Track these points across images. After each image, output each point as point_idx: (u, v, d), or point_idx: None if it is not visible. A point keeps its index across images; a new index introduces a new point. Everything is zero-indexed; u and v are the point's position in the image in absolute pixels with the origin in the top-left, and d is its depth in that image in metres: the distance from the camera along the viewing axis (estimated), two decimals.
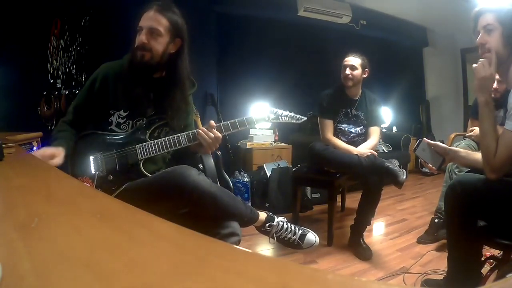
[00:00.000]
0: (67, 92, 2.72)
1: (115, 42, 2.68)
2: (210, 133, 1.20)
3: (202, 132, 1.20)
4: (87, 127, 1.30)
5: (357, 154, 2.02)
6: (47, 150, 1.15)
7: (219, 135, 1.21)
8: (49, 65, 2.76)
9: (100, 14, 2.74)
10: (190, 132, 1.22)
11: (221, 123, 1.24)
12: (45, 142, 2.27)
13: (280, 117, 1.30)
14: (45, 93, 2.73)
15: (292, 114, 1.31)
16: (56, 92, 2.74)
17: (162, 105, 1.29)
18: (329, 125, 2.20)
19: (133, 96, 1.25)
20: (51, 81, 2.76)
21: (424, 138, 1.36)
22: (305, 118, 1.34)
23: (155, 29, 1.20)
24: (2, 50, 2.45)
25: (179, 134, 1.22)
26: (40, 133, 2.25)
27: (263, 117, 1.28)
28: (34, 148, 2.14)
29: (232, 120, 1.25)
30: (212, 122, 1.22)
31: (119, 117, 1.27)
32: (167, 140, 1.22)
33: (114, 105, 1.27)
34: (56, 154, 1.15)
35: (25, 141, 2.06)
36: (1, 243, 0.45)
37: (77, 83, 2.74)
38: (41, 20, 2.64)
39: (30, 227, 0.49)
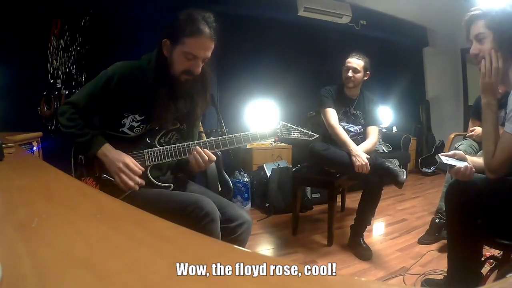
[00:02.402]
0: (67, 92, 2.72)
1: (115, 42, 2.69)
2: (204, 155, 1.16)
3: (195, 153, 1.16)
4: (93, 124, 1.24)
5: (354, 155, 2.01)
6: (126, 158, 1.14)
7: (213, 157, 1.17)
8: (49, 65, 2.76)
9: (100, 14, 2.74)
10: (201, 141, 1.18)
11: (233, 135, 1.19)
12: (45, 142, 2.27)
13: (292, 133, 1.25)
14: (45, 93, 2.73)
15: (304, 130, 1.26)
16: (56, 92, 2.74)
17: (183, 111, 1.25)
18: (332, 112, 2.18)
19: (154, 103, 1.18)
20: (51, 81, 2.77)
21: (438, 155, 1.23)
22: (317, 136, 1.29)
23: (208, 57, 1.17)
24: (2, 50, 2.44)
25: (190, 143, 1.18)
26: (40, 133, 2.25)
27: (274, 132, 1.23)
28: (34, 148, 2.14)
29: (245, 133, 1.20)
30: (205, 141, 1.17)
31: (133, 121, 1.20)
32: (176, 148, 1.18)
33: (129, 108, 1.19)
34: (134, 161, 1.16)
35: (25, 141, 2.05)
36: (1, 243, 0.45)
37: (77, 83, 2.74)
38: (41, 20, 2.64)
39: (30, 227, 0.49)
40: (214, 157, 1.17)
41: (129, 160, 1.15)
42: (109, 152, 1.15)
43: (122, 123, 1.20)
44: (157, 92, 1.18)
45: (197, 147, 1.16)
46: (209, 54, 1.17)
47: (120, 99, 1.18)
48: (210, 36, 1.14)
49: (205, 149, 1.16)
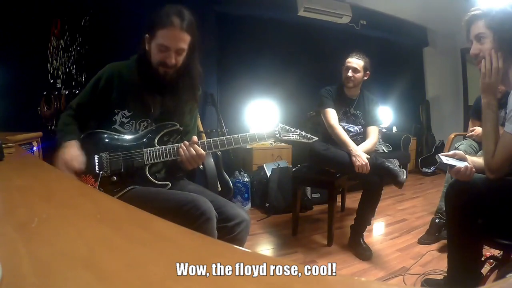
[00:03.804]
0: (67, 92, 2.72)
1: (115, 42, 2.69)
2: (192, 149, 1.17)
3: (183, 148, 1.18)
4: (89, 125, 1.29)
5: (354, 155, 2.01)
6: (67, 155, 1.15)
7: (202, 152, 1.18)
8: (49, 65, 2.76)
9: (100, 14, 2.74)
10: (199, 142, 1.20)
11: (231, 136, 1.21)
12: (45, 142, 2.27)
13: (291, 135, 1.25)
14: (45, 93, 2.73)
15: (303, 133, 1.27)
16: (56, 92, 2.74)
17: (169, 106, 1.28)
18: (332, 112, 2.18)
19: (140, 98, 1.23)
20: (51, 81, 2.76)
21: (438, 155, 1.22)
22: (316, 139, 1.29)
23: (182, 49, 1.19)
24: (2, 50, 2.44)
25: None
26: (40, 133, 2.25)
27: (273, 134, 1.25)
28: (34, 148, 2.14)
29: (243, 134, 1.22)
30: (195, 137, 1.19)
31: (123, 117, 1.26)
32: (175, 147, 1.20)
33: (118, 105, 1.26)
34: (76, 156, 1.16)
35: (25, 141, 2.05)
36: (1, 243, 0.45)
37: (77, 83, 2.74)
38: (41, 20, 2.64)
39: (30, 227, 0.49)
40: (203, 152, 1.18)
41: (69, 157, 1.15)
42: (63, 149, 1.17)
43: (114, 120, 1.26)
44: (141, 85, 1.23)
45: (185, 142, 1.18)
46: (181, 45, 1.19)
47: (109, 97, 1.25)
48: (180, 27, 1.16)
49: (193, 145, 1.17)
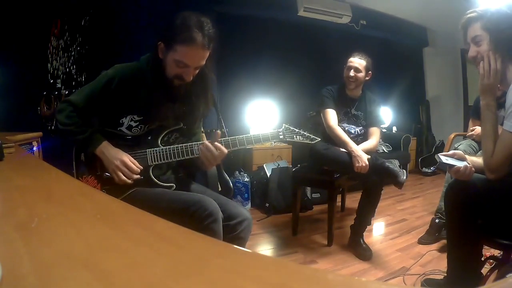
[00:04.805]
0: (67, 92, 2.72)
1: (115, 42, 2.69)
2: (213, 148, 1.14)
3: (208, 146, 1.14)
4: (91, 122, 1.25)
5: (355, 156, 2.00)
6: (127, 160, 1.14)
7: (225, 151, 1.15)
8: (49, 65, 2.76)
9: (100, 14, 2.74)
10: (203, 142, 1.18)
11: (236, 137, 1.19)
12: (45, 142, 2.27)
13: (295, 136, 1.25)
14: (45, 93, 2.73)
15: (306, 133, 1.26)
16: (56, 92, 2.74)
17: (181, 113, 1.25)
18: (332, 113, 2.18)
19: (153, 106, 1.19)
20: (51, 81, 2.77)
21: (438, 154, 1.24)
22: (318, 139, 1.30)
23: (202, 65, 1.17)
24: (2, 50, 2.45)
25: (193, 144, 1.18)
26: (40, 133, 2.25)
27: (277, 135, 1.24)
28: (34, 148, 2.14)
29: (248, 135, 1.20)
30: (219, 132, 1.17)
31: (131, 120, 1.21)
32: (179, 148, 1.18)
33: (129, 109, 1.20)
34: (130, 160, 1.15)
35: (25, 141, 2.05)
36: (1, 243, 0.45)
37: (77, 83, 2.74)
38: (41, 20, 2.64)
39: (30, 227, 0.49)
40: (226, 151, 1.15)
41: (127, 158, 1.15)
42: (107, 150, 1.16)
43: (121, 122, 1.21)
44: (154, 93, 1.18)
45: (205, 142, 1.16)
46: (202, 62, 1.16)
47: (120, 100, 1.19)
48: (203, 45, 1.10)
49: (215, 143, 1.14)
